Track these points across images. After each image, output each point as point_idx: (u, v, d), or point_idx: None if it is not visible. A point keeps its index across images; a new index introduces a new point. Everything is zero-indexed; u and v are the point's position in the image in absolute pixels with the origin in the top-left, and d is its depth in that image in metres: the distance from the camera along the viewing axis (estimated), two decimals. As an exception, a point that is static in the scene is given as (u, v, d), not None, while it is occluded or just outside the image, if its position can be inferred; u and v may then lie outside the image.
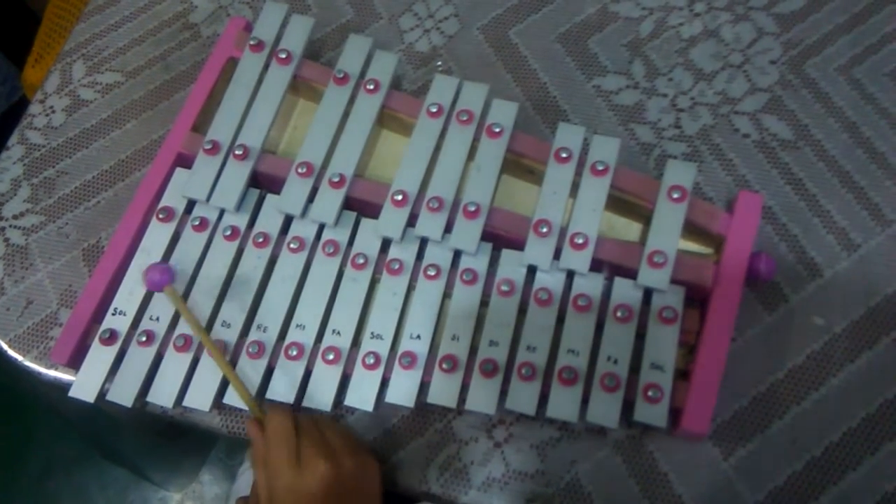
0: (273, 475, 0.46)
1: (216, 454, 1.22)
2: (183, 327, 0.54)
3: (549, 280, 0.53)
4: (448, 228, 0.54)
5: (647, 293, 0.52)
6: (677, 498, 0.51)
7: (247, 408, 0.50)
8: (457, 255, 0.55)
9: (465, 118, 0.57)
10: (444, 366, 0.51)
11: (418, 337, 0.52)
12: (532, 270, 0.53)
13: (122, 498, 1.22)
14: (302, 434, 0.47)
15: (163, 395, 0.53)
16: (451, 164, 0.56)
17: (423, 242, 0.55)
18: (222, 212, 0.57)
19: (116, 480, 1.23)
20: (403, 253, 0.55)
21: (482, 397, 0.50)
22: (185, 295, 0.55)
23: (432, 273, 0.54)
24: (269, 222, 0.57)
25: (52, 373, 0.59)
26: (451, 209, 0.54)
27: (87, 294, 0.55)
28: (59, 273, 0.62)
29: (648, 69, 0.64)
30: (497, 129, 0.56)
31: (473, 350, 0.52)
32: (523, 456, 0.53)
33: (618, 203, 0.56)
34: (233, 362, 0.53)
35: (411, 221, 0.55)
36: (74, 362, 0.54)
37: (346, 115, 0.59)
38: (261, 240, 0.56)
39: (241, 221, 0.57)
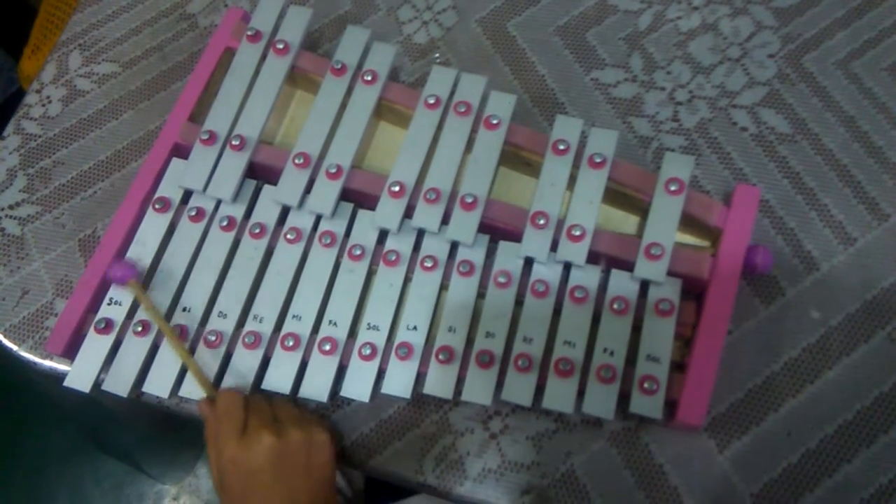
0: (221, 449, 0.47)
1: (212, 447, 1.22)
2: (179, 317, 0.54)
3: (546, 272, 0.53)
4: (445, 220, 0.54)
5: (644, 285, 0.52)
6: (672, 490, 0.51)
7: (203, 391, 0.51)
8: (454, 246, 0.55)
9: (462, 110, 0.57)
10: (441, 357, 0.51)
11: (415, 328, 0.52)
12: (529, 262, 0.53)
13: (118, 491, 1.22)
14: (251, 409, 0.48)
15: (158, 385, 0.53)
16: (449, 155, 0.56)
17: (420, 234, 0.55)
18: (219, 202, 0.57)
19: (112, 473, 1.23)
20: (400, 244, 0.55)
21: (478, 388, 0.50)
22: (181, 285, 0.55)
23: (429, 264, 0.53)
24: (265, 213, 0.57)
25: (48, 363, 0.59)
26: (448, 201, 0.54)
27: (82, 284, 0.55)
28: (54, 263, 0.62)
29: (647, 62, 0.64)
30: (495, 121, 0.56)
31: (470, 341, 0.52)
32: (519, 447, 0.53)
33: (615, 196, 0.56)
34: (228, 353, 0.53)
35: (408, 213, 0.55)
36: (70, 352, 0.54)
37: (343, 106, 0.59)
38: (257, 230, 0.56)
39: (237, 212, 0.57)
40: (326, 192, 0.56)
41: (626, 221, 0.58)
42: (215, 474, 0.47)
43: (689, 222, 0.54)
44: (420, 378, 0.52)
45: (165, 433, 1.14)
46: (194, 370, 0.51)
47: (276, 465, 0.46)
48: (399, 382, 0.51)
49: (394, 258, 0.54)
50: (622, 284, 0.52)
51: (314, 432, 0.49)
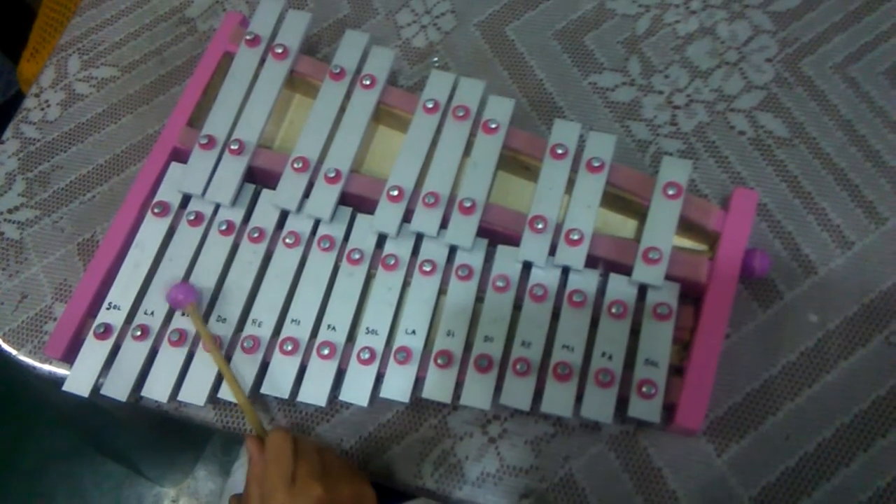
0: (268, 494, 0.45)
1: (211, 450, 1.22)
2: (178, 322, 0.54)
3: (545, 276, 0.53)
4: (444, 224, 0.54)
5: (642, 289, 0.52)
6: (671, 493, 0.51)
7: (250, 424, 0.51)
8: (452, 250, 0.55)
9: (461, 114, 0.57)
10: (439, 361, 0.51)
11: (413, 332, 0.52)
12: (527, 266, 0.53)
13: (117, 493, 1.22)
14: (300, 456, 0.47)
15: (157, 390, 0.53)
16: (447, 159, 0.56)
17: (419, 238, 0.55)
18: (218, 206, 0.57)
19: (111, 476, 1.23)
20: (399, 248, 0.55)
21: (477, 393, 0.50)
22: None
23: (428, 269, 0.54)
24: (264, 217, 0.57)
25: (47, 367, 0.59)
26: (446, 205, 0.54)
27: (81, 288, 0.55)
28: (53, 267, 0.62)
29: (644, 66, 0.64)
30: (493, 126, 0.56)
31: (468, 346, 0.52)
32: (517, 451, 0.53)
33: (613, 199, 0.56)
34: (227, 357, 0.53)
35: (407, 217, 0.55)
36: (69, 356, 0.54)
37: (342, 110, 0.59)
38: (256, 235, 0.56)
39: (236, 216, 0.57)
40: (325, 197, 0.56)
41: (624, 225, 0.58)
42: None
43: (687, 226, 0.54)
44: (419, 382, 0.52)
45: (164, 436, 1.14)
46: (247, 409, 0.51)
47: None
48: (398, 387, 0.51)
49: (392, 262, 0.54)
50: (620, 288, 0.52)
51: (362, 487, 0.48)
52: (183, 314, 0.54)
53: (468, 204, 0.53)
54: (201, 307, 0.54)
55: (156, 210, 0.57)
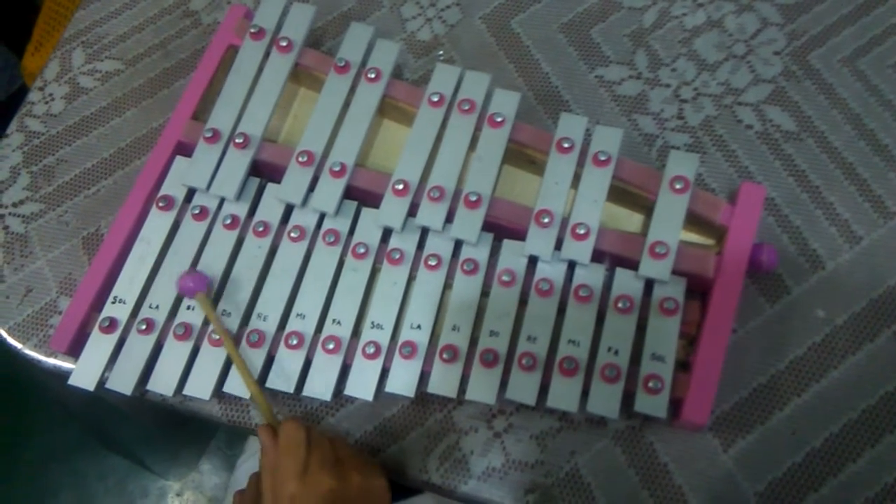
0: (280, 484, 0.46)
1: (216, 444, 1.22)
2: (183, 315, 0.54)
3: (551, 270, 0.53)
4: (449, 218, 0.54)
5: (649, 284, 0.52)
6: (677, 489, 0.51)
7: (262, 413, 0.51)
8: (458, 245, 0.54)
9: (466, 108, 0.56)
10: (445, 356, 0.51)
11: (419, 327, 0.52)
12: (533, 261, 0.53)
13: (122, 487, 1.23)
14: (313, 447, 0.47)
15: (163, 384, 0.53)
16: (453, 153, 0.56)
17: (424, 232, 0.55)
18: (222, 200, 0.57)
19: (115, 469, 1.23)
20: (404, 243, 0.55)
21: (482, 387, 0.50)
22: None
23: (433, 263, 0.53)
24: (269, 211, 0.57)
25: (52, 361, 0.59)
26: (452, 199, 0.54)
27: (86, 282, 0.55)
28: (58, 261, 0.62)
29: (651, 59, 0.63)
30: (499, 119, 0.56)
31: (474, 340, 0.52)
32: (523, 446, 0.53)
33: (620, 194, 0.56)
34: (233, 351, 0.53)
35: (412, 211, 0.55)
36: (74, 350, 0.54)
37: (347, 103, 0.58)
38: (261, 229, 0.56)
39: (241, 210, 0.57)
40: (330, 191, 0.55)
41: (630, 220, 0.57)
42: (269, 502, 0.47)
43: (694, 221, 0.54)
44: (424, 377, 0.52)
45: (169, 430, 1.14)
46: (258, 397, 0.50)
47: None
48: (403, 381, 0.51)
49: (397, 256, 0.54)
50: (627, 283, 0.52)
51: (373, 477, 0.48)
52: (189, 307, 0.54)
53: (474, 198, 0.53)
54: (210, 294, 0.54)
55: (160, 204, 0.57)
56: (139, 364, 0.53)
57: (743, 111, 0.61)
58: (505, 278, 0.52)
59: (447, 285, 0.54)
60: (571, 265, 0.53)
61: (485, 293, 0.53)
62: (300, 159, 0.56)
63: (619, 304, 0.51)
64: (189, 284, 0.53)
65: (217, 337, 0.52)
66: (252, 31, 0.61)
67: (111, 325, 0.54)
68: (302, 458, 0.46)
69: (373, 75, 0.58)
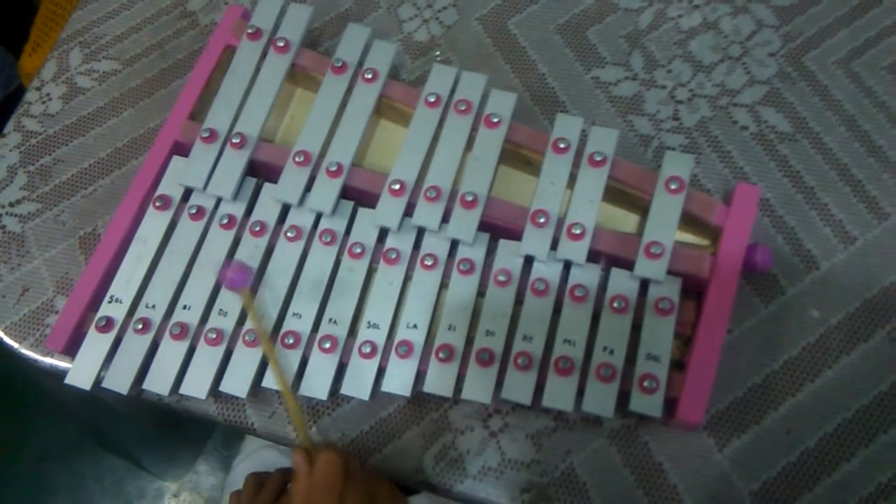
0: None
1: (212, 445, 1.22)
2: (179, 315, 0.54)
3: (546, 270, 0.53)
4: (445, 218, 0.54)
5: (644, 284, 0.52)
6: (672, 488, 0.51)
7: (297, 431, 0.50)
8: (454, 245, 0.55)
9: (463, 108, 0.57)
10: (441, 355, 0.51)
11: (415, 326, 0.52)
12: (529, 261, 0.53)
13: (119, 488, 1.23)
14: (349, 480, 0.46)
15: (159, 383, 0.53)
16: (449, 154, 0.56)
17: (421, 232, 0.55)
18: (219, 200, 0.57)
19: (113, 470, 1.23)
20: (400, 242, 0.55)
21: (478, 387, 0.50)
22: (181, 283, 0.55)
23: (429, 263, 0.54)
24: (266, 211, 0.57)
25: (49, 360, 0.59)
26: (448, 199, 0.54)
27: (83, 282, 0.55)
28: (55, 261, 0.62)
29: (647, 61, 0.64)
30: (495, 120, 0.56)
31: (470, 340, 0.52)
32: (519, 445, 0.53)
33: (615, 194, 0.56)
34: (229, 351, 0.53)
35: (409, 211, 0.55)
36: (70, 350, 0.54)
37: (343, 104, 0.58)
38: (258, 228, 0.56)
39: (238, 210, 0.57)
40: (327, 191, 0.56)
41: (626, 220, 0.58)
42: None
43: (689, 221, 0.54)
44: (420, 376, 0.52)
45: (166, 430, 1.14)
46: (296, 415, 0.50)
47: None
48: (399, 380, 0.52)
49: (394, 256, 0.54)
50: (622, 283, 0.52)
51: None
52: (185, 307, 0.54)
53: (470, 198, 0.53)
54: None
55: (157, 204, 0.57)
56: (136, 363, 0.53)
57: (738, 112, 0.61)
58: (501, 278, 0.52)
59: (443, 285, 0.54)
60: (567, 265, 0.53)
61: (481, 293, 0.54)
62: (297, 159, 0.56)
63: (615, 304, 0.51)
64: (233, 276, 0.51)
65: (214, 336, 0.52)
66: (249, 31, 0.61)
67: (108, 324, 0.54)
68: (338, 493, 0.45)
69: (369, 76, 0.58)
